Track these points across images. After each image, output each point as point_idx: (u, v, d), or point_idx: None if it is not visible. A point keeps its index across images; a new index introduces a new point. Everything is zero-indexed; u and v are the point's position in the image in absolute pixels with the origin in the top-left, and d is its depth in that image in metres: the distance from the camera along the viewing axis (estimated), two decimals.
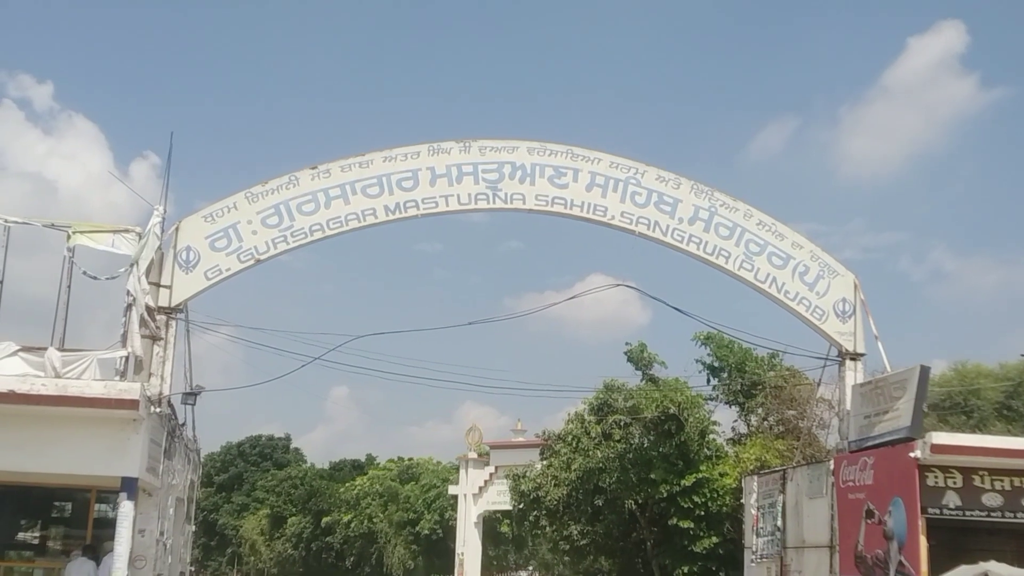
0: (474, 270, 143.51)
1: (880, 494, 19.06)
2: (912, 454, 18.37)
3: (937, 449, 18.27)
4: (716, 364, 30.56)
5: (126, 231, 19.17)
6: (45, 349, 18.06)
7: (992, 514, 18.69)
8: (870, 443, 20.09)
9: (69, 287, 18.46)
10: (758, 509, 23.57)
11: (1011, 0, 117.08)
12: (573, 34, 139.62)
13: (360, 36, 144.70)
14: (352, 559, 62.13)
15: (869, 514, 19.27)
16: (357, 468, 75.91)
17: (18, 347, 17.95)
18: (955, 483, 18.59)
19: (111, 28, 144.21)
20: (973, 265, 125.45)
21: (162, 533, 19.70)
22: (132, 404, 16.89)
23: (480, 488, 45.05)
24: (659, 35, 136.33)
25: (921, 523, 18.10)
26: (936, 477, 18.55)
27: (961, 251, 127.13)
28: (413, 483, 56.09)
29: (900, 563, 18.33)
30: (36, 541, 21.15)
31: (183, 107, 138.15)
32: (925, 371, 19.66)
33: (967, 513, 18.59)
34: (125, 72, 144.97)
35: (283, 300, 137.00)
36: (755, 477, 24.33)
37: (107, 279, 18.95)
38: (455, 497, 47.07)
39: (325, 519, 66.15)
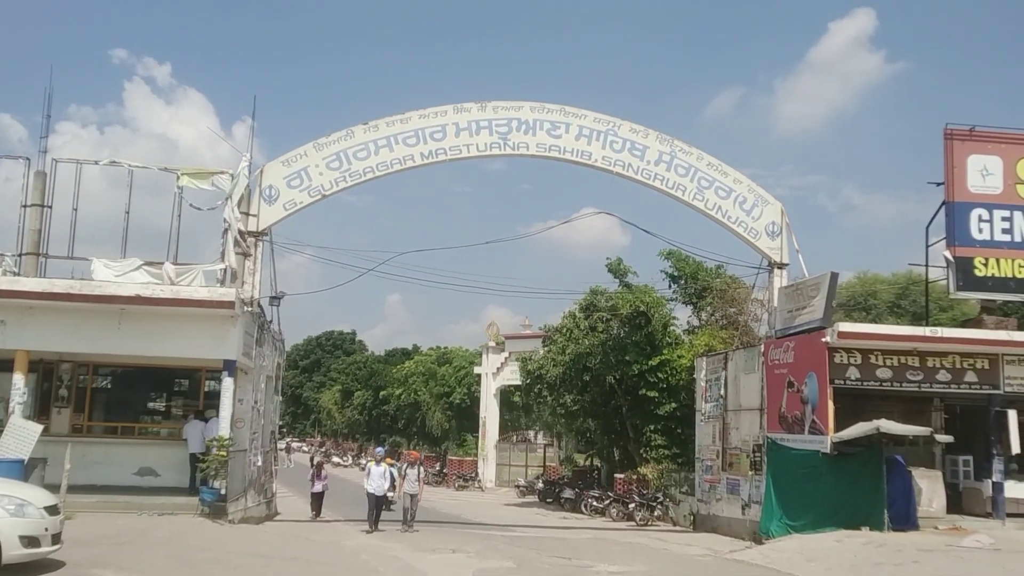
0: (495, 206, 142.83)
1: (798, 370, 19.07)
2: (823, 339, 18.35)
3: (842, 335, 18.26)
4: (675, 274, 30.38)
5: (221, 173, 19.05)
6: (162, 263, 18.08)
7: (883, 384, 18.72)
8: (792, 331, 20.03)
9: (179, 216, 18.44)
10: (706, 382, 23.62)
11: None
12: (567, 21, 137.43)
13: (404, 20, 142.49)
14: (403, 422, 62.64)
15: (790, 385, 19.30)
16: (406, 355, 76.13)
17: (142, 262, 18.00)
18: (855, 361, 18.57)
19: (216, 16, 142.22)
20: (875, 200, 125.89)
21: (256, 402, 19.92)
22: (229, 304, 16.99)
23: (498, 368, 45.29)
24: (634, 22, 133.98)
25: (829, 391, 18.13)
26: (841, 356, 18.53)
27: (866, 189, 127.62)
28: (448, 365, 56.27)
29: (813, 421, 18.40)
30: (163, 408, 21.47)
31: (270, 80, 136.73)
32: (834, 276, 19.54)
33: (864, 383, 18.63)
34: (227, 53, 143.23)
35: (350, 231, 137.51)
36: (704, 358, 24.34)
37: (208, 210, 18.89)
38: (479, 375, 47.37)
39: (382, 393, 66.51)
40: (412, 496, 19.47)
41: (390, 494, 19.68)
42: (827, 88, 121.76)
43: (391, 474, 19.83)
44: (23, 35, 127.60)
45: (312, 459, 30.55)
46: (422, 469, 20.82)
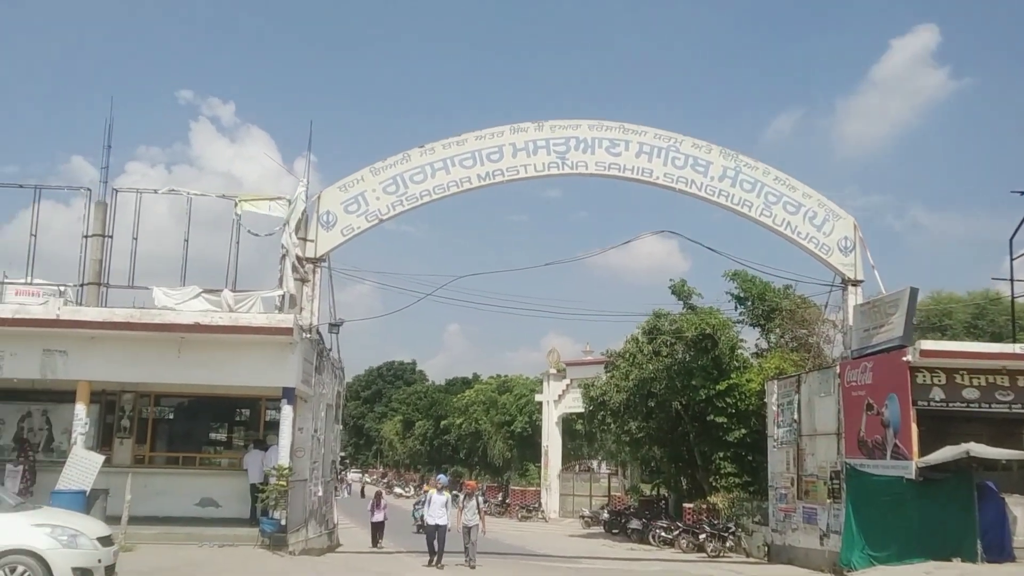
0: (551, 234, 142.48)
1: (878, 391, 18.11)
2: (904, 358, 17.42)
3: (925, 354, 17.34)
4: (742, 295, 29.56)
5: (278, 199, 18.93)
6: (221, 291, 17.93)
7: (970, 405, 17.65)
8: (869, 351, 19.11)
9: (238, 243, 18.27)
10: (778, 406, 22.68)
11: (977, 5, 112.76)
12: (623, 43, 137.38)
13: (456, 44, 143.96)
14: (464, 452, 62.27)
15: (869, 407, 18.33)
16: (466, 383, 75.88)
17: (201, 289, 17.86)
18: (940, 381, 17.58)
19: (275, 58, 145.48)
20: (944, 219, 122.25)
21: (316, 430, 19.59)
22: (287, 331, 16.71)
23: (559, 396, 44.60)
24: (690, 43, 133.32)
25: (912, 413, 17.17)
26: (924, 376, 17.57)
27: (934, 208, 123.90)
28: (508, 393, 55.73)
29: (895, 445, 17.41)
30: (224, 438, 21.27)
31: (328, 113, 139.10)
32: (914, 292, 18.62)
33: (950, 405, 17.60)
34: (287, 92, 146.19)
35: (408, 260, 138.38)
36: (775, 381, 23.42)
37: (266, 236, 18.74)
38: (540, 403, 46.72)
39: (443, 422, 66.31)
40: (471, 529, 18.12)
41: (450, 525, 18.39)
42: (890, 106, 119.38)
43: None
44: (94, 80, 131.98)
45: (362, 489, 30.30)
46: (481, 499, 19.46)
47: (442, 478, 19.49)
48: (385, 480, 71.34)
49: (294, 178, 20.24)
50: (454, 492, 21.11)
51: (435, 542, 17.75)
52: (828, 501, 19.52)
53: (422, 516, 19.20)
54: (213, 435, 21.43)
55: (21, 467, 17.37)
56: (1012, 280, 20.89)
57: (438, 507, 17.95)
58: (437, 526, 17.79)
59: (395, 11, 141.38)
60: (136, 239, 17.88)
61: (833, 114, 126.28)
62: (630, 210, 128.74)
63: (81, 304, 17.68)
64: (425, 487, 50.62)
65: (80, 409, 16.90)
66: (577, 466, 46.31)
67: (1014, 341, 20.78)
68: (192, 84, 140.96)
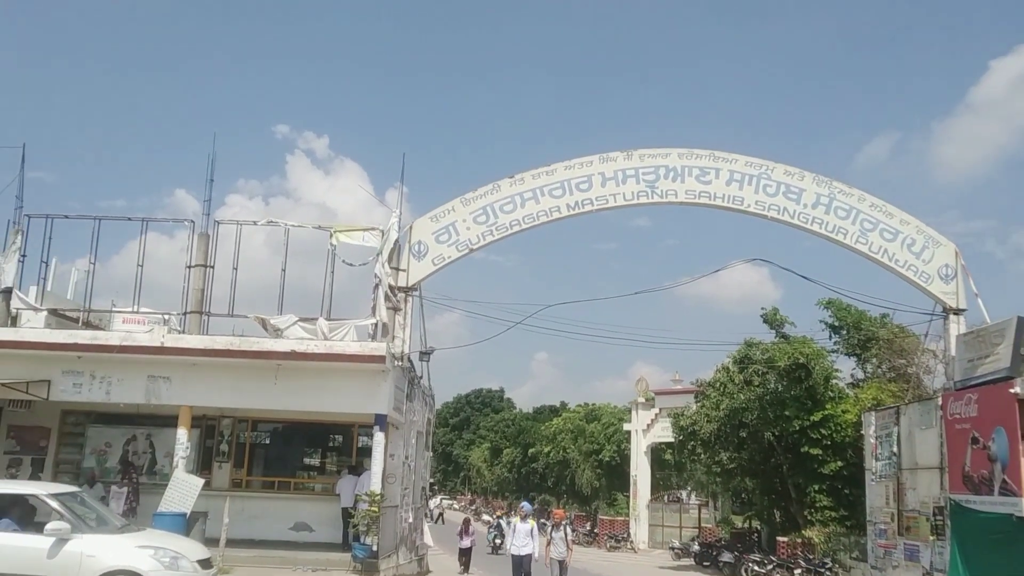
0: (640, 263, 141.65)
1: (984, 424, 17.30)
2: (1013, 390, 16.58)
3: None
4: (836, 324, 28.82)
5: (372, 229, 19.27)
6: (316, 319, 18.33)
7: None
8: (973, 382, 18.29)
9: (332, 272, 18.63)
10: (876, 439, 21.90)
11: None
12: (717, 63, 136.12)
13: (543, 73, 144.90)
14: (552, 480, 61.97)
15: (974, 441, 17.52)
16: (554, 412, 75.67)
17: (297, 318, 18.28)
18: None
19: (366, 91, 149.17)
20: None
21: (407, 457, 19.77)
22: (380, 359, 16.97)
23: (648, 425, 44.00)
24: (779, 67, 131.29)
25: (1021, 448, 16.29)
26: None
27: None
28: (596, 422, 55.30)
29: (1004, 481, 16.56)
30: (317, 463, 21.66)
31: (417, 144, 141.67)
32: (1021, 321, 17.72)
33: None
34: (378, 125, 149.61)
35: (497, 290, 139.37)
36: (873, 413, 22.65)
37: (360, 265, 19.09)
38: (629, 432, 46.16)
39: (531, 450, 66.17)
40: (561, 563, 16.86)
41: (536, 555, 17.28)
42: (990, 129, 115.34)
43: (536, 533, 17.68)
44: (196, 116, 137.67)
45: (440, 515, 30.50)
46: (569, 530, 18.12)
47: (526, 506, 18.53)
48: (473, 507, 71.44)
49: (386, 209, 20.61)
50: (542, 521, 20.95)
51: (521, 573, 17.01)
52: (931, 538, 18.70)
53: (494, 538, 18.98)
54: (307, 460, 21.83)
55: (126, 489, 18.04)
56: None
57: (523, 536, 17.10)
58: (522, 557, 16.95)
59: (480, 43, 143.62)
60: (236, 269, 18.44)
61: (930, 137, 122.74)
62: (719, 237, 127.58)
63: (184, 332, 18.31)
64: (502, 513, 50.51)
65: (182, 433, 17.45)
66: (666, 496, 45.58)
67: None
68: (288, 119, 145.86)
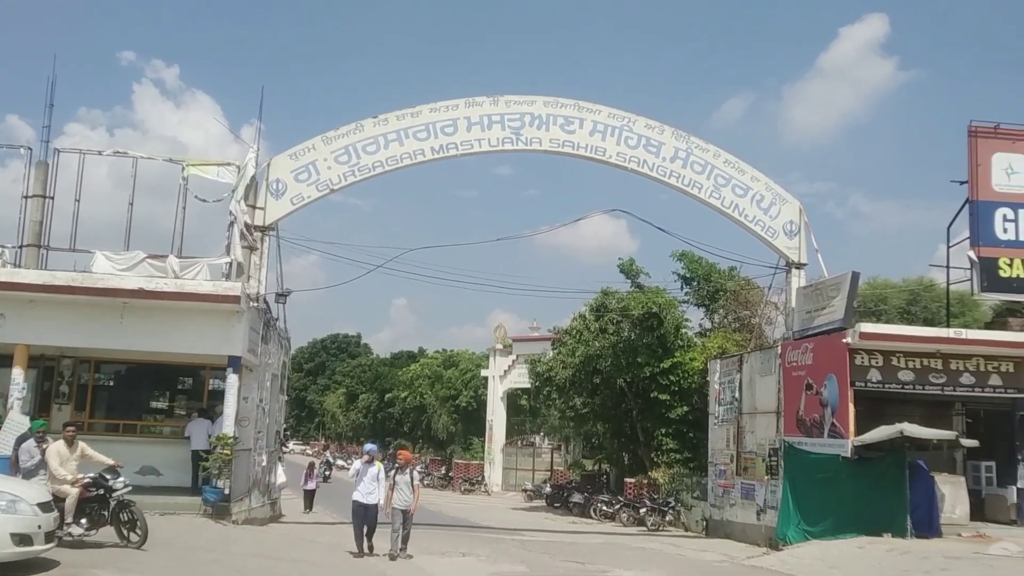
0: (501, 211, 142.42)
1: (818, 372, 18.53)
2: (844, 340, 17.86)
3: (864, 336, 17.77)
4: (688, 276, 30.02)
5: (227, 164, 18.62)
6: (166, 257, 17.60)
7: (905, 387, 18.20)
8: (810, 333, 19.52)
9: (184, 208, 17.91)
10: (720, 385, 23.09)
11: None
12: (576, 26, 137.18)
13: (414, 13, 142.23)
14: (408, 425, 62.20)
15: (809, 387, 18.76)
16: (411, 358, 75.65)
17: (145, 255, 17.51)
18: (877, 363, 18.08)
19: (222, 20, 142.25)
20: (884, 208, 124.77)
21: (261, 400, 19.41)
22: (234, 299, 16.50)
23: (505, 371, 44.80)
24: (642, 28, 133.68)
25: (850, 394, 17.62)
26: (862, 358, 18.05)
27: (875, 197, 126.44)
28: (454, 368, 55.76)
29: (833, 424, 17.87)
30: (165, 407, 20.95)
31: (278, 83, 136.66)
32: (856, 276, 19.05)
33: (886, 386, 18.11)
34: (235, 56, 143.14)
35: (356, 234, 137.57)
36: (718, 360, 23.83)
37: (214, 201, 18.39)
38: (486, 378, 46.90)
39: (387, 395, 66.07)
40: (404, 512, 14.00)
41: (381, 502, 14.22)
42: (836, 94, 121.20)
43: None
44: (30, 38, 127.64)
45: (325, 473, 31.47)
46: (416, 473, 14.96)
47: (371, 447, 15.34)
48: (328, 452, 70.92)
49: (243, 145, 20.03)
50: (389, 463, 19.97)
51: (364, 526, 14.15)
52: (766, 478, 19.96)
53: (324, 471, 18.08)
54: (154, 403, 21.08)
55: None
56: (948, 267, 21.44)
57: (368, 481, 14.16)
58: (367, 506, 14.07)
59: None
60: (79, 201, 17.43)
61: (780, 101, 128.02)
62: (580, 189, 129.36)
63: (20, 266, 17.19)
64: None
65: (17, 373, 16.53)
66: (520, 441, 46.63)
67: (948, 326, 21.43)
68: (134, 44, 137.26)
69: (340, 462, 61.63)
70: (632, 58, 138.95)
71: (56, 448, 12.09)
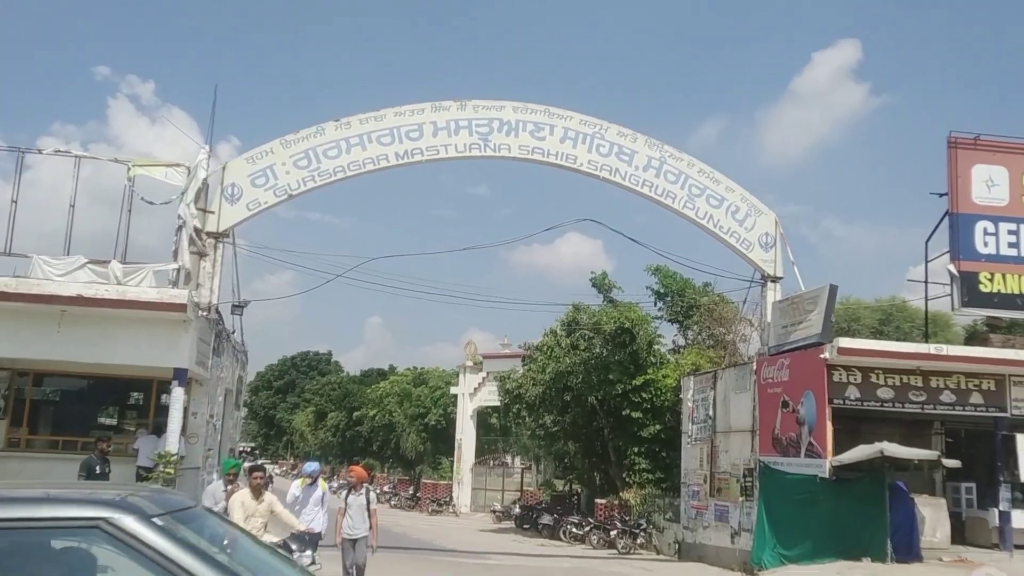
0: (478, 231, 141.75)
1: (794, 388, 17.85)
2: (822, 356, 17.19)
3: (843, 352, 17.12)
4: (662, 291, 29.41)
5: (177, 165, 17.67)
6: (109, 262, 16.61)
7: (884, 405, 17.55)
8: (786, 348, 18.87)
9: (130, 211, 16.95)
10: (693, 402, 22.39)
11: (899, 24, 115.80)
12: (550, 50, 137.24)
13: (378, 15, 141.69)
14: (377, 444, 61.09)
15: (785, 404, 18.07)
16: (382, 375, 74.53)
17: (86, 260, 16.49)
18: (855, 379, 17.45)
19: (196, 35, 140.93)
20: (856, 231, 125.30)
21: (212, 416, 18.41)
22: (181, 308, 15.53)
23: (475, 389, 43.91)
24: (616, 50, 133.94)
25: (828, 411, 16.94)
26: (840, 374, 17.41)
27: (847, 220, 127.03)
28: (424, 386, 54.75)
29: (810, 443, 17.17)
30: (114, 422, 19.89)
31: (249, 89, 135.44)
32: (834, 289, 18.44)
33: (864, 404, 17.48)
34: (210, 72, 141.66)
35: (336, 252, 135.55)
36: (691, 377, 23.13)
37: (161, 204, 17.43)
38: (456, 396, 45.94)
39: (356, 414, 64.90)
40: (356, 542, 11.66)
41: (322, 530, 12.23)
42: (809, 119, 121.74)
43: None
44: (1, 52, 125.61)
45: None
46: (374, 495, 12.38)
47: (311, 466, 13.18)
48: (295, 472, 69.49)
49: (187, 135, 19.03)
50: (342, 483, 17.75)
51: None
52: (740, 499, 19.23)
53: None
54: (103, 419, 20.02)
55: None
56: (927, 282, 20.89)
57: (312, 506, 12.12)
58: (309, 535, 11.54)
59: None
60: (15, 202, 16.40)
61: (754, 124, 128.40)
62: (556, 209, 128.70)
63: None
64: (336, 478, 49.42)
65: None
66: (491, 460, 45.68)
67: (927, 340, 20.87)
68: (109, 60, 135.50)
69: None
70: (604, 80, 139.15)
71: (241, 498, 10.23)
